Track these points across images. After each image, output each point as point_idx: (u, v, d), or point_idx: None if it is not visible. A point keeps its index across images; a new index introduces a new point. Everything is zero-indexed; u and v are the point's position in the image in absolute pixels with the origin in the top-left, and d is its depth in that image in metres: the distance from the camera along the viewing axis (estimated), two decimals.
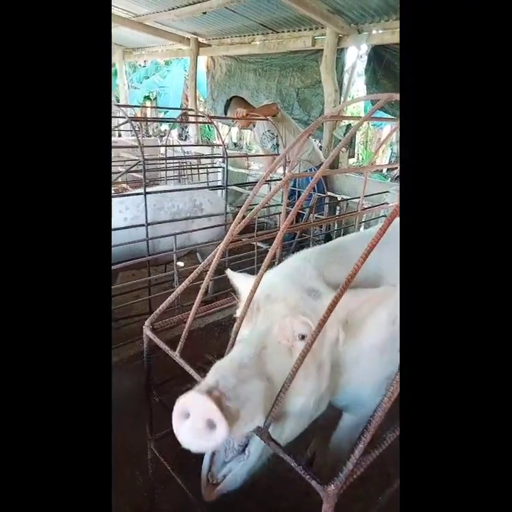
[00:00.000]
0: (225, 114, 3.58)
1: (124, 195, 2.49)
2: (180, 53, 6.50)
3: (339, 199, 3.62)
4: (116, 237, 2.03)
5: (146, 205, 2.11)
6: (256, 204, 1.01)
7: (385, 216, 2.99)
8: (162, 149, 4.82)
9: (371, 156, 8.28)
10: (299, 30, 4.58)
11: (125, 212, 2.38)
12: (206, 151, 5.35)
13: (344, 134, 4.14)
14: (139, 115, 8.66)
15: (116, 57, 7.18)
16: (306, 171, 3.52)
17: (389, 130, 7.34)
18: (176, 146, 5.30)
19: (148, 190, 2.14)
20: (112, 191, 3.33)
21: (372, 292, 0.95)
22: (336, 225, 3.34)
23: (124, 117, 2.32)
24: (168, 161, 4.10)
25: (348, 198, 3.47)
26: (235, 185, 3.80)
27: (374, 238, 0.70)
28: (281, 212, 2.11)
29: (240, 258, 2.52)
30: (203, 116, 3.31)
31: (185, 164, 4.34)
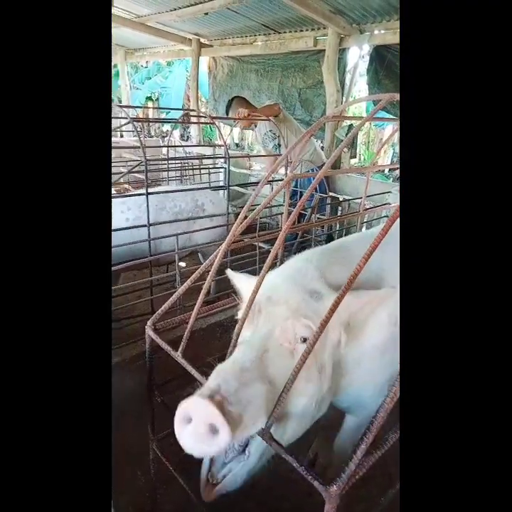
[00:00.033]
0: (227, 114, 3.58)
1: (126, 196, 2.49)
2: (182, 54, 6.51)
3: (341, 199, 3.62)
4: (118, 238, 2.03)
5: (148, 205, 2.12)
6: (258, 204, 1.01)
7: (387, 216, 2.99)
8: (164, 150, 4.83)
9: (373, 156, 8.27)
10: (301, 31, 4.58)
11: (127, 212, 2.39)
12: (208, 151, 5.35)
13: (346, 135, 4.13)
14: (141, 116, 8.68)
15: (118, 58, 7.20)
16: (308, 171, 3.52)
17: (391, 130, 7.32)
18: (177, 146, 5.32)
19: (150, 190, 2.14)
20: (114, 192, 3.33)
21: (373, 294, 0.95)
22: (338, 226, 3.34)
23: (126, 118, 2.33)
24: (170, 162, 4.10)
25: (350, 198, 3.47)
26: (236, 185, 3.81)
27: (376, 239, 0.70)
28: (283, 213, 2.11)
29: (241, 258, 2.52)
30: (205, 117, 3.32)
31: (187, 165, 4.34)
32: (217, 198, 2.86)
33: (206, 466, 0.94)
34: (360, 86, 7.08)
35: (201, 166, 4.43)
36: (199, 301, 0.97)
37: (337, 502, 0.63)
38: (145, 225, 2.15)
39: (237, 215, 2.42)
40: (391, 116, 4.27)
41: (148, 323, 1.08)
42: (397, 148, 8.65)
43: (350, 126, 4.18)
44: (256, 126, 3.67)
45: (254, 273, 1.41)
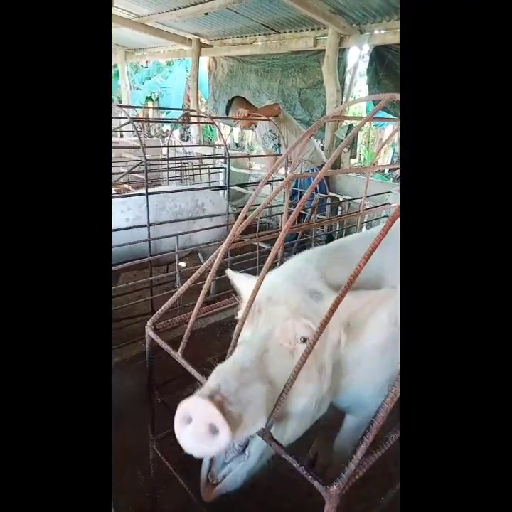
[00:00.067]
0: (227, 114, 3.58)
1: (126, 196, 2.49)
2: (182, 54, 6.51)
3: (341, 199, 3.63)
4: (118, 238, 2.03)
5: (148, 205, 2.12)
6: (258, 204, 1.01)
7: (387, 216, 2.99)
8: (164, 150, 4.83)
9: (373, 156, 8.27)
10: (301, 31, 4.58)
11: (127, 212, 2.39)
12: (208, 151, 5.35)
13: (346, 135, 4.14)
14: (141, 116, 8.68)
15: (118, 58, 7.20)
16: (308, 171, 3.52)
17: (391, 130, 7.33)
18: (177, 146, 5.32)
19: (150, 190, 2.14)
20: (114, 192, 3.33)
21: (373, 294, 0.95)
22: (338, 226, 3.34)
23: (126, 118, 2.33)
24: (170, 162, 4.11)
25: (350, 198, 3.47)
26: (236, 185, 3.81)
27: (376, 239, 0.70)
28: (283, 213, 2.11)
29: (241, 258, 2.52)
30: (205, 117, 3.32)
31: (187, 165, 4.34)
32: (217, 198, 2.86)
33: (206, 466, 0.94)
34: (360, 86, 7.08)
35: (201, 166, 4.43)
36: (199, 301, 0.97)
37: (337, 502, 0.63)
38: (145, 225, 2.15)
39: (237, 215, 2.42)
40: (391, 116, 4.27)
41: (149, 323, 1.08)
42: (397, 148, 8.65)
43: (350, 126, 4.18)
44: (256, 126, 3.67)
45: (254, 273, 1.41)
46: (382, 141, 8.62)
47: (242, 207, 1.09)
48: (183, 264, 2.84)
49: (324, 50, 4.13)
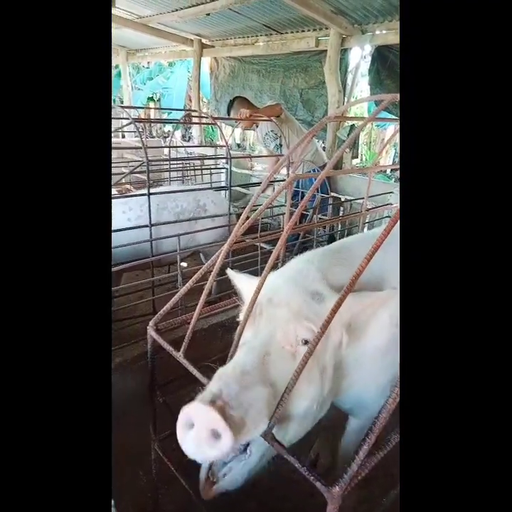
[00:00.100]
0: (228, 114, 3.58)
1: (128, 196, 2.50)
2: (183, 54, 6.52)
3: (343, 200, 3.62)
4: (120, 238, 2.04)
5: (149, 206, 2.12)
6: (260, 205, 1.01)
7: (388, 217, 2.98)
8: (166, 150, 4.83)
9: (375, 156, 8.26)
10: (303, 31, 4.58)
11: (129, 212, 2.39)
12: (209, 151, 5.35)
13: (348, 135, 4.14)
14: (142, 116, 8.70)
15: (119, 59, 7.21)
16: (310, 171, 3.52)
17: (393, 130, 7.32)
18: (179, 147, 5.32)
19: (151, 191, 2.14)
20: (116, 192, 3.34)
21: (375, 295, 0.95)
22: (340, 226, 3.33)
23: (127, 118, 2.33)
24: (171, 162, 4.11)
25: (352, 198, 3.46)
26: (238, 185, 3.81)
27: (378, 239, 0.69)
28: (284, 213, 2.11)
29: (243, 259, 2.52)
30: (207, 117, 3.32)
31: (188, 165, 4.34)
32: (219, 198, 2.86)
33: (207, 465, 0.94)
34: (361, 86, 7.07)
35: (203, 167, 4.43)
36: (201, 301, 0.97)
37: (339, 503, 0.63)
38: (147, 226, 2.15)
39: (238, 215, 2.42)
40: (393, 117, 4.26)
41: (151, 323, 1.08)
42: (399, 149, 8.64)
43: (352, 127, 4.18)
44: (257, 126, 3.67)
45: (255, 273, 1.41)
46: (384, 142, 8.62)
47: (244, 207, 1.09)
48: (184, 264, 2.85)
49: (326, 51, 4.12)
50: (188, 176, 4.31)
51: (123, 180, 3.57)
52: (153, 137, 7.83)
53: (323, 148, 4.19)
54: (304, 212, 2.93)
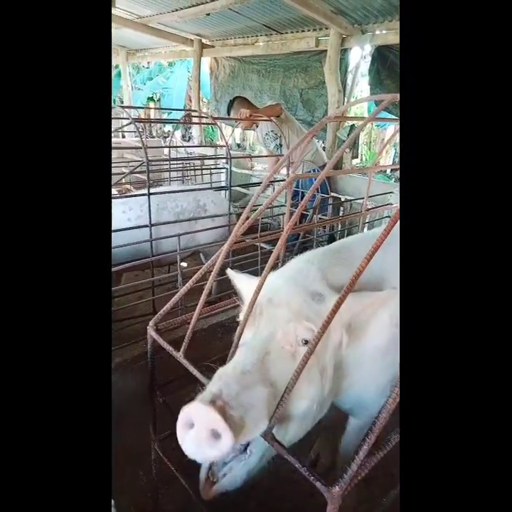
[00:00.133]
0: (228, 114, 3.58)
1: (128, 196, 2.50)
2: (183, 54, 6.52)
3: (343, 200, 3.62)
4: (120, 238, 2.04)
5: (149, 206, 2.12)
6: (260, 205, 1.01)
7: (388, 217, 2.98)
8: (166, 150, 4.83)
9: (375, 156, 8.27)
10: (303, 31, 4.58)
11: (129, 212, 2.39)
12: (209, 151, 5.35)
13: (348, 135, 4.14)
14: (142, 116, 8.70)
15: (119, 59, 7.21)
16: (310, 171, 3.52)
17: (393, 130, 7.32)
18: (179, 147, 5.32)
19: (151, 190, 2.14)
20: (116, 192, 3.34)
21: (375, 295, 0.94)
22: (340, 226, 3.33)
23: (127, 118, 2.33)
24: (171, 162, 4.11)
25: (352, 198, 3.46)
26: (238, 185, 3.81)
27: (378, 239, 0.69)
28: (284, 213, 2.11)
29: (243, 259, 2.52)
30: (207, 117, 3.32)
31: (188, 165, 4.34)
32: (219, 198, 2.86)
33: (207, 464, 0.94)
34: (361, 86, 7.07)
35: (203, 167, 4.43)
36: (201, 301, 0.97)
37: (339, 503, 0.63)
38: (147, 226, 2.15)
39: (238, 215, 2.41)
40: (393, 117, 4.26)
41: (151, 323, 1.08)
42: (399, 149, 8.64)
43: (352, 127, 4.18)
44: (257, 126, 3.67)
45: (255, 273, 1.41)
46: (384, 142, 8.62)
47: (244, 207, 1.09)
48: (184, 264, 2.85)
49: (326, 51, 4.13)
50: (188, 176, 4.31)
51: (123, 180, 3.57)
52: (154, 137, 7.83)
53: (323, 149, 4.20)
54: (304, 212, 2.93)
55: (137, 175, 3.94)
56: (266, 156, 3.79)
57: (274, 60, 5.14)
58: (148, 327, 1.08)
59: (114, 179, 2.40)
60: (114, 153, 4.68)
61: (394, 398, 0.67)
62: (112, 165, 3.68)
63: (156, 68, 9.17)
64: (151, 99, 9.64)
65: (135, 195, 2.44)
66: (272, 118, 3.10)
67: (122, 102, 7.88)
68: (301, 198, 3.37)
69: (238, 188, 4.04)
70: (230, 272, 1.16)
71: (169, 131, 8.51)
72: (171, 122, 6.02)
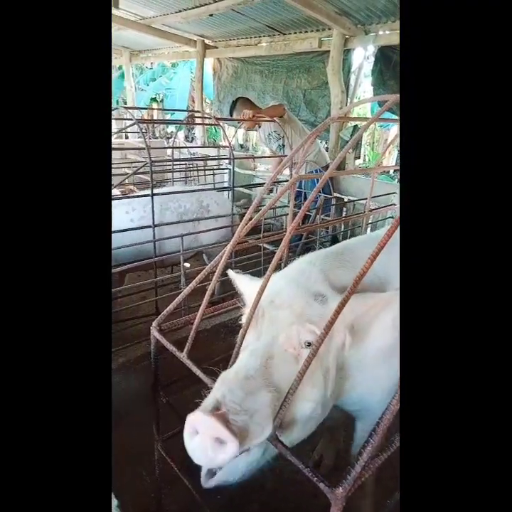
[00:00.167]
0: (231, 115, 3.59)
1: (131, 197, 2.50)
2: (186, 55, 6.53)
3: (346, 200, 3.62)
4: (123, 239, 2.04)
5: (153, 206, 2.12)
6: (263, 205, 1.01)
7: (392, 217, 2.98)
8: (169, 151, 4.84)
9: (378, 157, 8.25)
10: (306, 32, 4.58)
11: (132, 213, 2.40)
12: (212, 152, 5.36)
13: (351, 135, 4.13)
14: (145, 117, 8.72)
15: (123, 60, 7.23)
16: (312, 171, 3.52)
17: (396, 131, 7.30)
18: (182, 147, 5.32)
19: (155, 191, 2.15)
20: (119, 193, 3.35)
21: (378, 297, 0.94)
22: (343, 227, 3.33)
23: (131, 119, 2.34)
24: (174, 163, 4.11)
25: (355, 199, 3.46)
26: (241, 186, 3.81)
27: (381, 241, 0.69)
28: (287, 214, 2.11)
29: (246, 259, 2.52)
30: (210, 118, 3.32)
31: (191, 166, 4.35)
32: (222, 199, 2.86)
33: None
34: (365, 87, 7.06)
35: (206, 167, 4.44)
36: (204, 302, 0.97)
37: (343, 504, 0.63)
38: (150, 226, 2.16)
39: (241, 216, 2.42)
40: (396, 118, 4.25)
41: (154, 324, 1.08)
42: None
43: (355, 127, 4.17)
44: (260, 126, 3.68)
45: (258, 274, 1.41)
46: (387, 142, 8.60)
47: (247, 208, 1.09)
48: (187, 265, 2.85)
49: (329, 51, 4.12)
50: (191, 177, 4.32)
51: (126, 181, 3.58)
52: (157, 138, 7.85)
53: (326, 149, 4.19)
54: (307, 213, 2.93)
55: (140, 175, 3.95)
56: (269, 157, 3.79)
57: (277, 60, 5.14)
58: (151, 327, 1.08)
59: (118, 180, 2.41)
60: (118, 154, 4.70)
61: (397, 399, 0.67)
62: (116, 166, 3.69)
63: (159, 69, 9.19)
64: (154, 99, 9.65)
65: (138, 196, 2.45)
66: (274, 118, 3.10)
67: (126, 103, 7.90)
68: (304, 199, 3.37)
69: (241, 189, 4.04)
70: (231, 273, 1.15)
71: (172, 131, 8.52)
72: (174, 123, 6.02)
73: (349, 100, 4.45)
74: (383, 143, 8.95)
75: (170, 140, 5.66)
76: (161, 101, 9.63)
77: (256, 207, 0.99)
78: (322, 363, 0.89)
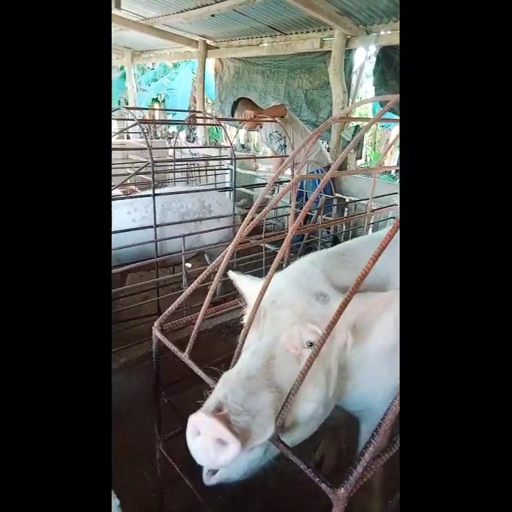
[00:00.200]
0: (233, 115, 3.59)
1: (133, 197, 2.51)
2: (188, 56, 6.54)
3: (347, 201, 3.61)
4: (125, 239, 2.05)
5: (154, 206, 2.13)
6: (265, 206, 1.01)
7: (393, 218, 2.97)
8: (170, 151, 4.84)
9: (379, 157, 8.24)
10: (307, 32, 4.58)
11: (134, 213, 2.40)
12: (214, 152, 5.37)
13: (352, 136, 4.13)
14: (147, 117, 8.74)
15: (125, 60, 7.25)
16: (313, 171, 3.52)
17: (397, 131, 7.29)
18: (184, 148, 5.33)
19: (156, 191, 2.15)
20: (121, 193, 3.35)
21: (380, 296, 0.94)
22: (345, 227, 3.33)
23: (132, 119, 2.34)
24: (176, 163, 4.12)
25: (357, 199, 3.46)
26: (243, 186, 3.81)
27: (384, 240, 0.69)
28: (289, 214, 2.11)
29: (248, 260, 2.52)
30: (211, 118, 3.33)
31: (193, 166, 4.36)
32: (224, 199, 2.86)
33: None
34: (366, 87, 7.05)
35: (207, 168, 4.44)
36: (206, 302, 0.97)
37: (345, 504, 0.63)
38: (151, 226, 2.16)
39: (243, 216, 2.42)
40: (398, 118, 4.25)
41: (155, 324, 1.08)
42: None
43: (357, 128, 4.17)
44: (261, 126, 3.68)
45: (260, 274, 1.41)
46: (388, 142, 8.59)
47: (249, 208, 1.09)
48: (189, 265, 2.85)
49: (330, 51, 4.12)
50: (192, 177, 4.32)
51: (128, 181, 3.58)
52: (158, 138, 7.86)
53: (328, 149, 4.19)
54: (309, 213, 2.93)
55: (142, 176, 3.96)
56: (270, 157, 3.79)
57: (279, 61, 5.14)
58: (153, 327, 1.08)
59: (119, 180, 2.41)
60: (119, 154, 4.70)
61: (399, 400, 0.67)
62: (117, 166, 3.70)
63: (161, 69, 9.20)
64: (155, 100, 9.67)
65: (140, 196, 2.45)
66: (276, 119, 3.10)
67: (127, 103, 7.92)
68: (305, 199, 3.37)
69: (243, 189, 4.04)
70: (231, 273, 1.15)
71: (174, 132, 8.53)
72: (176, 123, 6.03)
73: (351, 100, 4.45)
74: (385, 143, 8.94)
75: (171, 140, 5.66)
76: (163, 101, 9.65)
77: (257, 207, 0.99)
78: (324, 363, 0.88)
